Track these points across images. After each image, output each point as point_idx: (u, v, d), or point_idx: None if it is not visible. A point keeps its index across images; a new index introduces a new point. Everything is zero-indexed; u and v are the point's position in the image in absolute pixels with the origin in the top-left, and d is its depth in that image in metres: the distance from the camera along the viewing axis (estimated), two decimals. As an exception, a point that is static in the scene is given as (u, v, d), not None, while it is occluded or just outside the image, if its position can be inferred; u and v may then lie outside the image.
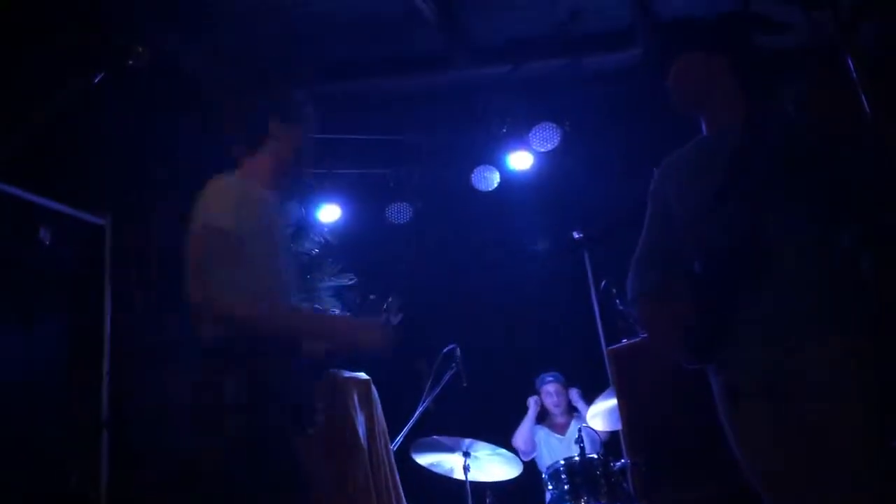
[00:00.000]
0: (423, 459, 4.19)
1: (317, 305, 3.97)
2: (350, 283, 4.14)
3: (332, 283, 4.04)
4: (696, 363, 2.03)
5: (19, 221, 3.31)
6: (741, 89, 2.07)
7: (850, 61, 1.69)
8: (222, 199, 2.16)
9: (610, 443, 4.36)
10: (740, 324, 1.90)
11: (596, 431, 4.18)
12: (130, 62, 1.64)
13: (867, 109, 1.68)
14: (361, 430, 3.47)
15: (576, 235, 4.91)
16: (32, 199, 3.34)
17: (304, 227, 4.28)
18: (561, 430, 4.87)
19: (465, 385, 4.14)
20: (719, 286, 1.91)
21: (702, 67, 2.09)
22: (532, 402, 4.98)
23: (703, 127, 2.15)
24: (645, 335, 3.09)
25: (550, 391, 4.94)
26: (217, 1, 4.01)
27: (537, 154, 4.82)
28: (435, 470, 4.24)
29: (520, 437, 4.87)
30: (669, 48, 2.14)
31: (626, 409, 3.33)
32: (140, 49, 1.74)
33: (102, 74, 1.57)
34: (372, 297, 5.18)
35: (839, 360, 1.80)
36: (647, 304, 2.12)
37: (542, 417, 4.99)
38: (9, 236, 3.33)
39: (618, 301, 3.81)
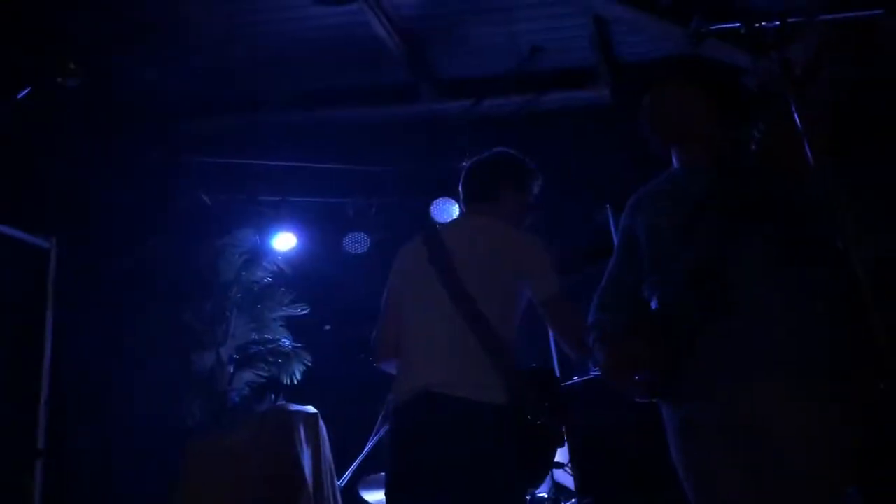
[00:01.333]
0: (372, 496, 4.08)
1: (267, 336, 3.90)
2: (302, 312, 4.06)
3: (282, 313, 3.96)
4: (650, 397, 2.00)
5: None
6: (715, 123, 2.07)
7: (795, 110, 1.70)
8: None
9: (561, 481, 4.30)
10: (703, 362, 1.87)
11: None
12: (59, 79, 1.58)
13: (810, 161, 1.69)
14: (307, 466, 3.37)
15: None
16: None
17: (258, 255, 4.20)
18: None
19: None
20: (679, 322, 1.89)
21: (677, 100, 2.09)
22: None
23: (675, 160, 2.15)
24: (596, 372, 3.06)
25: None
26: (186, 25, 3.99)
27: (497, 188, 4.82)
28: (383, 507, 4.14)
29: None
30: (644, 82, 2.14)
31: (576, 448, 3.29)
32: (72, 66, 1.68)
33: (29, 90, 1.51)
34: (327, 327, 5.13)
35: (803, 404, 1.77)
36: (605, 337, 2.07)
37: None
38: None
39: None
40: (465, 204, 2.65)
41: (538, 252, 2.38)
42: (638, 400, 2.00)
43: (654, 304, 1.97)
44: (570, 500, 3.59)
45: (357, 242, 4.93)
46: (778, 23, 1.65)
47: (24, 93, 1.54)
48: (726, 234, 1.87)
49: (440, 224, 3.79)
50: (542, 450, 2.27)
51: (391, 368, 2.47)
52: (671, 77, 2.12)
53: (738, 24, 1.71)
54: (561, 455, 4.08)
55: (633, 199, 2.20)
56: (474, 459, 2.11)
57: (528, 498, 3.72)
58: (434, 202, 4.95)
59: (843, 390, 1.80)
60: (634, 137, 2.20)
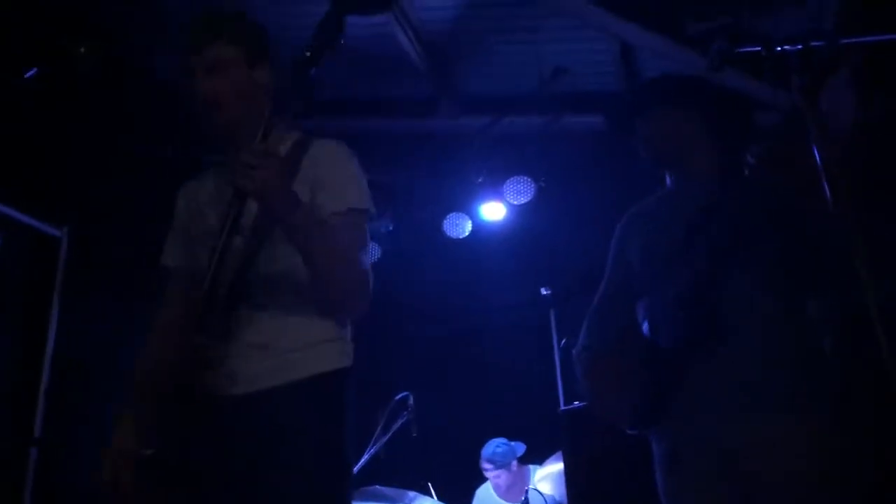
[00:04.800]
0: (364, 510, 4.05)
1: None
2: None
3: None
4: (637, 429, 1.96)
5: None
6: (712, 145, 2.03)
7: (817, 144, 1.67)
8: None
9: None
10: (690, 393, 1.83)
11: (544, 496, 4.07)
12: (70, 63, 1.60)
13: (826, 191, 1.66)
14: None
15: (543, 292, 4.89)
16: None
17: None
18: (511, 496, 4.56)
19: (414, 435, 4.03)
20: (669, 351, 1.85)
21: (674, 122, 2.05)
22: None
23: (669, 181, 2.12)
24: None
25: (489, 475, 4.55)
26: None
27: (510, 206, 4.82)
28: (375, 521, 4.10)
29: None
30: (641, 103, 2.12)
31: (573, 475, 3.24)
32: (82, 50, 1.70)
33: (36, 70, 1.52)
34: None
35: (795, 444, 1.73)
36: (592, 360, 2.03)
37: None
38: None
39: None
40: None
41: None
42: (628, 431, 1.96)
43: (644, 327, 1.93)
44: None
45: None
46: (801, 46, 1.61)
47: (31, 73, 1.53)
48: (718, 260, 1.83)
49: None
50: None
51: None
52: (664, 98, 2.08)
53: (758, 48, 1.68)
54: (558, 482, 4.04)
55: (625, 218, 2.16)
56: None
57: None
58: (447, 217, 4.94)
59: (829, 425, 1.76)
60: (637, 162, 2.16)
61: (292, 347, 1.77)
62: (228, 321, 1.75)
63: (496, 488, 4.64)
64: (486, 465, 4.58)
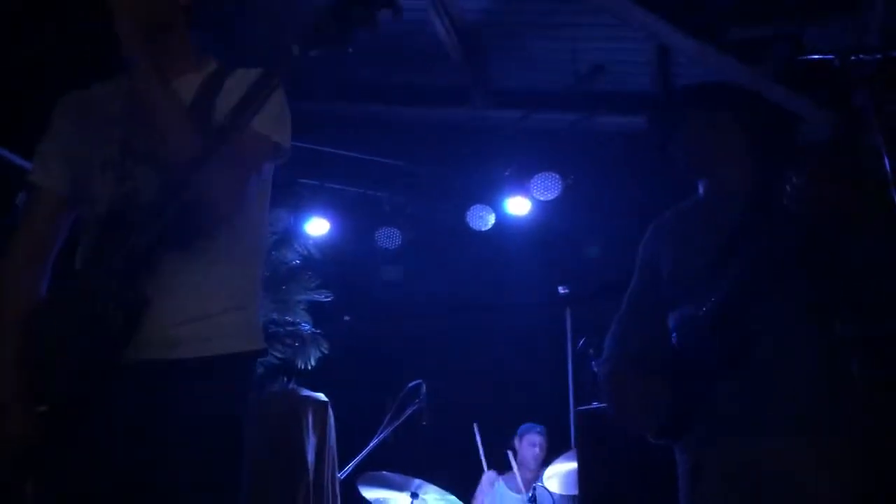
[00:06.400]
0: (370, 493, 4.06)
1: (287, 318, 3.88)
2: (326, 299, 4.04)
3: (306, 297, 3.94)
4: (662, 440, 1.94)
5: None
6: (752, 158, 1.99)
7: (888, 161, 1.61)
8: None
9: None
10: (716, 408, 1.82)
11: (551, 493, 4.06)
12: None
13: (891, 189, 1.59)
14: (310, 453, 3.35)
15: (561, 290, 4.86)
16: (15, 160, 3.24)
17: (290, 236, 4.20)
18: (525, 485, 4.56)
19: (424, 423, 4.03)
20: (697, 364, 1.83)
21: (717, 129, 1.99)
22: (485, 482, 4.62)
23: (701, 189, 2.06)
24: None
25: (536, 442, 4.63)
26: (240, 3, 3.99)
27: (536, 202, 4.79)
28: (379, 506, 4.11)
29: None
30: (685, 105, 2.08)
31: (585, 476, 3.22)
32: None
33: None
34: (346, 318, 5.12)
35: (818, 465, 1.72)
36: (618, 369, 2.01)
37: (505, 467, 4.77)
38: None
39: (594, 362, 3.72)
40: None
41: None
42: (651, 441, 1.95)
43: (674, 340, 1.90)
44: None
45: (389, 237, 4.91)
46: (879, 56, 1.54)
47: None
48: (749, 283, 1.80)
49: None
50: None
51: None
52: (710, 104, 2.03)
53: (830, 56, 1.61)
54: (565, 482, 4.03)
55: (652, 226, 2.12)
56: None
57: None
58: (471, 208, 4.92)
59: (854, 448, 1.75)
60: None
61: (196, 315, 1.54)
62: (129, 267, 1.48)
63: (533, 460, 4.60)
64: (532, 436, 4.62)
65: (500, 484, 4.70)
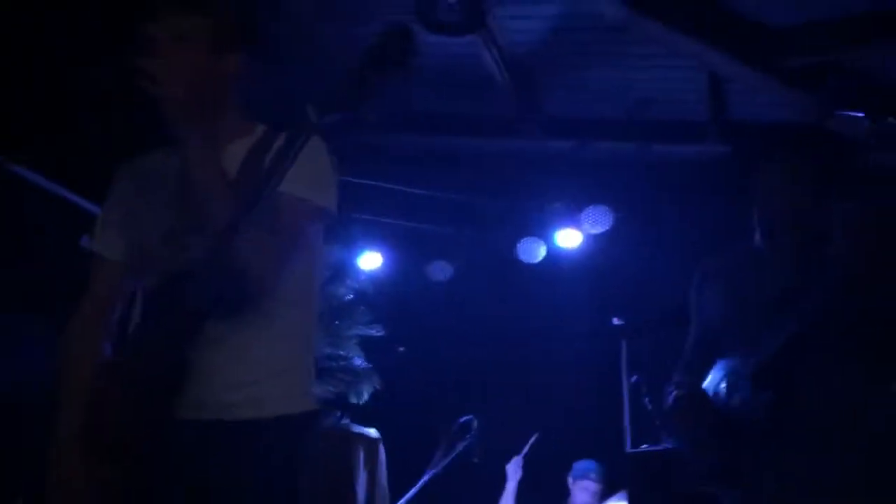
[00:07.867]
0: (421, 531, 4.02)
1: (340, 352, 3.91)
2: (378, 334, 4.06)
3: (359, 332, 3.97)
4: (708, 486, 1.90)
5: (63, 225, 3.22)
6: (817, 207, 1.91)
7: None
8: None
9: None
10: (761, 465, 1.79)
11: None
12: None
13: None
14: (361, 490, 3.35)
15: (615, 322, 4.78)
16: (78, 202, 3.33)
17: (342, 271, 4.24)
18: None
19: (475, 461, 3.98)
20: (744, 419, 1.80)
21: (805, 179, 1.92)
22: (511, 470, 4.53)
23: (758, 236, 2.01)
24: (669, 444, 2.94)
25: (591, 489, 4.38)
26: (299, 31, 4.05)
27: (587, 234, 4.74)
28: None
29: None
30: (764, 150, 2.03)
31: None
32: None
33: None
34: (401, 349, 5.12)
35: None
36: (675, 411, 1.99)
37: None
38: (51, 241, 3.20)
39: (647, 400, 3.63)
40: None
41: None
42: (698, 486, 1.92)
43: (721, 388, 1.88)
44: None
45: (440, 270, 4.91)
46: None
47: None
48: (801, 339, 1.77)
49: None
50: None
51: None
52: (805, 151, 1.97)
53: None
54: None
55: (702, 269, 2.09)
56: None
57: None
58: (521, 240, 4.89)
59: None
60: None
61: (245, 380, 1.59)
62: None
63: None
64: (587, 482, 4.42)
65: None
